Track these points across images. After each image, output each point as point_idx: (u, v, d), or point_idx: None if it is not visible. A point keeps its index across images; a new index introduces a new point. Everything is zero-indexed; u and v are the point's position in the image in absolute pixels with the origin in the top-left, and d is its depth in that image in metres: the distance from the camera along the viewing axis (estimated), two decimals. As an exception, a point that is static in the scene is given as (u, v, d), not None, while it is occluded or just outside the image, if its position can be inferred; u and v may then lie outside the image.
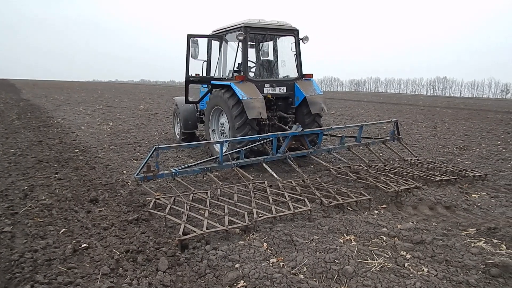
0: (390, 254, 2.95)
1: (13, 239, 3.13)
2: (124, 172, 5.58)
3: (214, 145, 6.31)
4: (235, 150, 5.37)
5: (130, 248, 2.96)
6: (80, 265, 2.74)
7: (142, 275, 2.59)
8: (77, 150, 6.91)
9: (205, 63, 7.21)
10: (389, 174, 5.08)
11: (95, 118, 12.28)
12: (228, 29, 6.43)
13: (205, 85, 7.54)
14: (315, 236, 3.30)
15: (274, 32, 6.49)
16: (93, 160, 6.14)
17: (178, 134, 8.41)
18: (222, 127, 6.34)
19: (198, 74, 7.18)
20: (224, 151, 6.17)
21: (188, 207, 3.75)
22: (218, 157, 5.13)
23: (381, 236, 3.30)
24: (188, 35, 6.53)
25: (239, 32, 5.86)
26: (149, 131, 9.81)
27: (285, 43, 6.98)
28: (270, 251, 3.03)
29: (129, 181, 5.04)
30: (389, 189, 4.38)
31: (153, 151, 4.51)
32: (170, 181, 4.97)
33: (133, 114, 14.06)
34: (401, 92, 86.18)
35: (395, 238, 3.27)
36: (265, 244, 3.13)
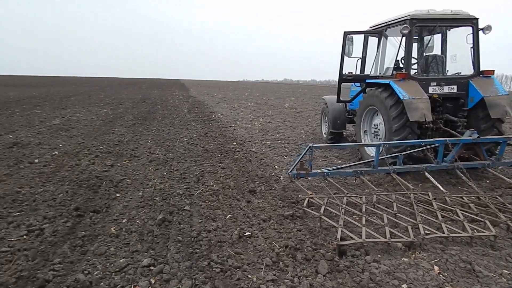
0: None
1: (191, 217, 3.62)
2: (276, 167, 5.84)
3: (366, 147, 5.97)
4: (393, 155, 4.92)
5: (288, 244, 3.02)
6: (245, 252, 2.95)
7: (303, 275, 2.59)
8: (235, 143, 7.64)
9: (360, 60, 6.88)
10: None
11: (248, 114, 13.43)
12: (389, 23, 5.94)
13: (358, 84, 7.23)
14: (504, 270, 2.68)
15: (446, 23, 5.65)
16: (248, 154, 6.67)
17: (325, 133, 8.35)
18: (376, 128, 5.92)
19: (352, 73, 6.91)
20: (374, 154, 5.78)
21: (343, 210, 3.62)
22: (373, 160, 4.80)
23: None
24: (344, 32, 6.34)
25: (404, 25, 5.31)
26: (296, 129, 10.08)
27: (458, 35, 6.01)
28: (443, 277, 2.60)
29: (281, 176, 5.24)
30: None
31: (307, 150, 4.54)
32: (321, 181, 4.94)
33: (280, 112, 14.78)
34: None
35: None
36: (436, 268, 2.71)
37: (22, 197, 4.02)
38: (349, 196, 4.13)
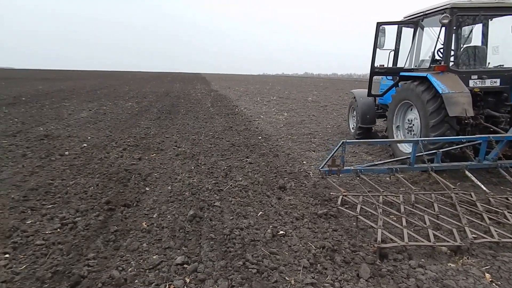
0: None
1: (222, 213, 3.54)
2: (304, 162, 5.69)
3: (398, 143, 5.73)
4: (430, 152, 4.66)
5: (325, 244, 2.88)
6: (280, 252, 2.83)
7: (343, 279, 2.45)
8: (260, 137, 7.52)
9: (392, 53, 6.57)
10: None
11: (271, 108, 13.27)
12: (426, 12, 5.61)
13: (390, 77, 6.93)
14: None
15: (490, 12, 5.28)
16: (275, 148, 6.53)
17: (353, 128, 8.11)
18: (410, 124, 5.65)
19: (383, 65, 6.62)
20: (408, 151, 5.51)
21: (380, 210, 3.44)
22: (409, 157, 4.56)
23: None
24: (377, 22, 6.06)
25: (444, 14, 4.99)
26: (321, 123, 9.86)
27: (501, 25, 5.61)
28: (497, 286, 2.40)
29: (311, 172, 5.09)
30: None
31: (340, 145, 4.36)
32: (353, 178, 4.76)
33: (304, 105, 14.54)
34: None
35: None
36: (487, 275, 2.51)
37: (55, 189, 4.05)
38: (385, 195, 3.93)
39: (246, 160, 5.60)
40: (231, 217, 3.45)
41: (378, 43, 6.24)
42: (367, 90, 7.85)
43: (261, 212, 3.60)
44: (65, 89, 19.63)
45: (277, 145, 6.89)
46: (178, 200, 3.85)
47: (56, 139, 6.69)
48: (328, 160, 4.44)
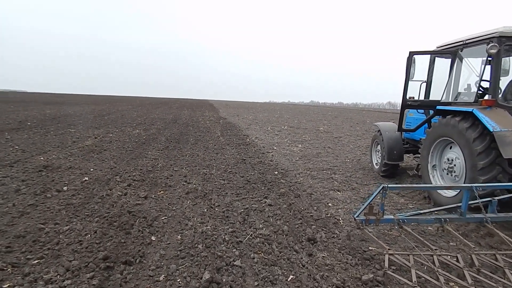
0: None
1: (244, 277, 2.88)
2: (330, 205, 5.04)
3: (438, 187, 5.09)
4: (485, 200, 4.00)
5: (384, 332, 2.19)
6: None
7: None
8: (277, 173, 6.91)
9: (424, 84, 6.07)
10: None
11: (283, 138, 12.73)
12: (467, 42, 5.12)
13: (421, 111, 6.39)
14: None
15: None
16: (294, 186, 5.90)
17: (376, 164, 7.48)
18: (450, 164, 5.02)
19: (413, 97, 6.09)
20: (449, 196, 4.87)
21: (442, 279, 2.76)
22: (460, 206, 3.90)
23: None
24: (410, 52, 5.59)
25: (491, 44, 4.48)
26: (339, 157, 9.24)
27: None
28: None
29: (340, 218, 4.44)
30: None
31: (380, 190, 3.73)
32: (390, 227, 4.10)
33: (316, 136, 13.99)
34: None
35: None
36: None
37: (45, 237, 3.43)
38: (439, 255, 3.25)
39: (265, 201, 4.96)
40: (256, 283, 2.78)
41: (406, 74, 5.76)
42: (392, 123, 7.32)
43: (291, 276, 2.93)
44: (72, 114, 19.40)
45: (296, 182, 6.26)
46: (190, 255, 3.20)
47: (55, 170, 6.13)
48: (364, 208, 3.81)
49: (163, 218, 4.16)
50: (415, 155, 6.97)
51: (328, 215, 4.52)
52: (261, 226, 4.03)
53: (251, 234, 3.77)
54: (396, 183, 6.50)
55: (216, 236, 3.65)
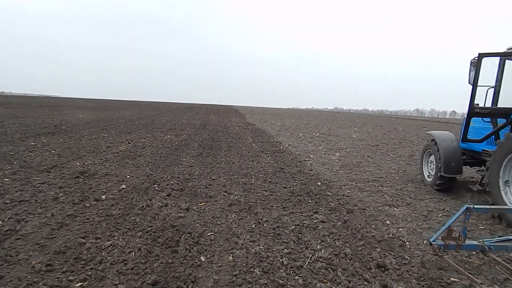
0: None
1: (315, 313, 2.44)
2: (388, 222, 4.52)
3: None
4: None
5: None
6: None
7: None
8: (320, 183, 6.43)
9: (491, 90, 5.45)
10: None
11: (318, 146, 12.21)
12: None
13: (487, 119, 5.75)
14: None
15: None
16: (343, 200, 5.41)
17: (428, 176, 6.86)
18: (529, 180, 4.39)
19: (478, 104, 5.48)
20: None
21: None
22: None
23: None
24: (479, 53, 5.01)
25: None
26: (381, 167, 8.64)
27: None
28: None
29: (406, 240, 3.91)
30: None
31: (463, 212, 3.20)
32: (469, 253, 3.55)
33: (352, 144, 13.36)
34: None
35: None
36: None
37: (86, 253, 3.14)
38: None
39: (316, 217, 4.50)
40: (331, 323, 2.34)
41: (474, 78, 5.18)
42: (448, 132, 6.70)
43: (371, 315, 2.47)
44: (104, 119, 19.67)
45: (343, 195, 5.76)
46: (247, 282, 2.80)
47: (92, 177, 5.94)
48: (442, 231, 3.29)
49: (209, 234, 3.80)
50: (477, 168, 6.32)
51: (391, 236, 4.00)
52: (318, 247, 3.58)
53: (310, 256, 3.33)
54: (468, 202, 5.86)
55: (271, 259, 3.23)
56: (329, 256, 3.36)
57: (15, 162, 6.72)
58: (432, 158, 6.69)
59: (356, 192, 6.02)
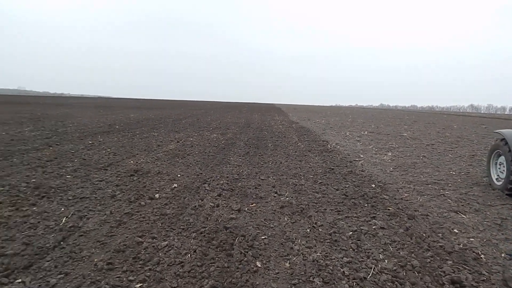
0: None
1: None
2: (456, 231, 4.11)
3: None
4: None
5: None
6: None
7: None
8: (374, 186, 6.08)
9: None
10: None
11: (367, 145, 11.69)
12: None
13: None
14: None
15: None
16: (402, 204, 5.04)
17: (497, 179, 6.21)
18: None
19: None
20: None
21: None
22: None
23: None
24: None
25: None
26: (440, 168, 8.01)
27: None
28: None
29: (480, 252, 3.51)
30: None
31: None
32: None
33: (404, 143, 12.63)
34: None
35: None
36: None
37: (144, 253, 3.16)
38: None
39: (374, 223, 4.22)
40: None
41: None
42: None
43: None
44: (153, 118, 20.46)
45: (401, 198, 5.38)
46: (308, 293, 2.64)
47: (145, 175, 6.10)
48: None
49: (263, 237, 3.68)
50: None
51: (462, 247, 3.62)
52: (381, 256, 3.32)
53: (373, 267, 3.09)
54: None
55: (331, 268, 3.04)
56: (394, 268, 3.10)
57: (76, 160, 7.12)
58: (501, 159, 6.05)
59: (415, 196, 5.60)
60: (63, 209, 4.23)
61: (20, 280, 2.60)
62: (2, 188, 4.90)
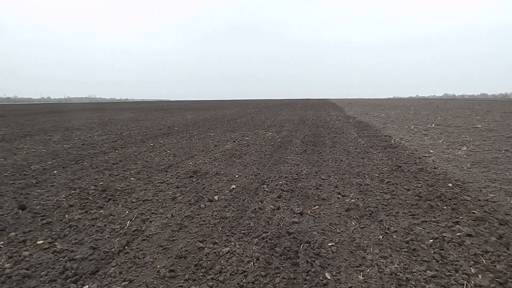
0: None
1: None
2: None
3: None
4: None
5: None
6: None
7: None
8: (451, 185, 5.41)
9: None
10: None
11: (436, 139, 10.66)
12: None
13: None
14: None
15: None
16: (489, 206, 4.38)
17: None
18: None
19: None
20: None
21: None
22: None
23: None
24: None
25: None
26: (531, 164, 6.95)
27: None
28: None
29: None
30: None
31: None
32: None
33: (479, 136, 11.32)
34: None
35: None
36: None
37: (205, 260, 3.05)
38: None
39: (458, 229, 3.68)
40: None
41: None
42: None
43: None
44: (209, 118, 20.95)
45: (487, 200, 4.69)
46: (389, 314, 2.30)
47: (204, 176, 6.10)
48: None
49: (330, 244, 3.38)
50: None
51: None
52: (473, 270, 2.84)
53: (465, 284, 2.63)
54: None
55: (413, 283, 2.65)
56: (492, 285, 2.61)
57: (139, 162, 7.39)
58: None
59: (504, 197, 4.85)
60: (127, 211, 4.33)
61: (87, 287, 2.62)
62: (74, 192, 5.19)
